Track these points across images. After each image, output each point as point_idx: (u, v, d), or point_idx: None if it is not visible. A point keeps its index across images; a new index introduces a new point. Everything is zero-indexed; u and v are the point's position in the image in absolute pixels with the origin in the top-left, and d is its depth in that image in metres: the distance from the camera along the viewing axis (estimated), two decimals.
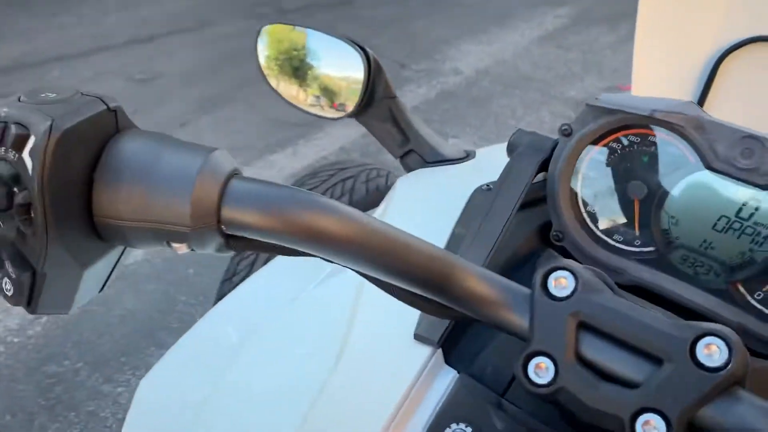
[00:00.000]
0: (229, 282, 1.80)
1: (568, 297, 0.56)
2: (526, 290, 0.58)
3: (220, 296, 1.63)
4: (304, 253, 0.54)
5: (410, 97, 4.34)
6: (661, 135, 0.81)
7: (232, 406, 0.85)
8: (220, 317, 1.05)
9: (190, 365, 0.97)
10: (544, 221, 0.91)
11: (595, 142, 0.85)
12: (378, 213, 1.09)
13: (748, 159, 0.74)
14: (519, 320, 0.57)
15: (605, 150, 0.85)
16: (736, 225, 0.78)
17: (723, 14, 1.91)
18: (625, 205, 0.85)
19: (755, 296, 0.78)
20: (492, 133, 4.02)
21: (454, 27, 5.38)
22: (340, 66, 1.24)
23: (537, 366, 0.55)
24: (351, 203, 1.91)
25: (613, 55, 5.04)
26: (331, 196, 1.93)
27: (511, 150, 0.92)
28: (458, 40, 5.16)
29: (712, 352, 0.52)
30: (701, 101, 1.96)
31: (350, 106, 1.19)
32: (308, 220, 0.51)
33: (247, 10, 5.56)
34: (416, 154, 1.20)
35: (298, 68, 1.37)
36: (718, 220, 0.79)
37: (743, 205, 0.77)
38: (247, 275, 1.66)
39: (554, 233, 0.88)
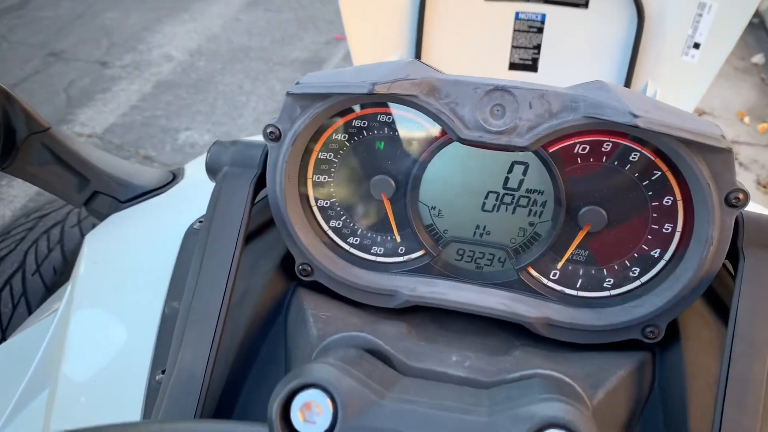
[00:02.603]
0: None
1: None
2: (261, 430, 0.36)
3: None
4: None
5: (124, 96, 3.84)
6: (393, 110, 0.62)
7: None
8: None
9: None
10: (285, 252, 0.69)
11: (315, 139, 0.64)
12: (67, 293, 0.79)
13: (500, 119, 0.57)
14: None
15: (332, 145, 0.64)
16: (507, 198, 0.62)
17: None
18: (375, 208, 0.66)
19: (551, 277, 0.64)
20: (226, 115, 3.72)
21: (150, 11, 4.87)
22: None
23: None
24: (65, 255, 1.53)
25: (323, 6, 4.94)
26: (36, 255, 1.52)
27: (212, 172, 0.67)
28: (160, 24, 4.68)
29: None
30: (419, 40, 1.88)
31: None
32: None
33: None
34: (105, 196, 0.90)
35: None
36: (486, 198, 0.63)
37: (509, 173, 0.62)
38: None
39: (299, 267, 0.66)
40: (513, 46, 1.90)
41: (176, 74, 4.12)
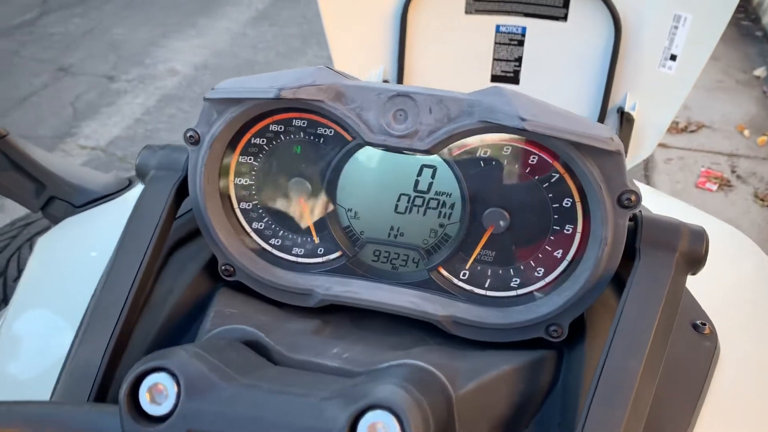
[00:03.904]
0: None
1: (169, 414, 0.37)
2: (113, 413, 0.38)
3: None
4: None
5: (128, 109, 3.91)
6: (304, 115, 0.64)
7: None
8: None
9: None
10: (211, 255, 0.71)
11: (235, 143, 0.66)
12: (14, 297, 0.82)
13: (402, 123, 0.59)
14: None
15: (251, 149, 0.66)
16: (418, 201, 0.65)
17: None
18: (295, 210, 0.68)
19: (461, 277, 0.66)
20: None
21: (157, 26, 4.96)
22: None
23: None
24: None
25: None
26: (19, 262, 1.56)
27: (141, 175, 0.70)
28: (167, 39, 4.76)
29: (379, 429, 0.36)
30: (401, 52, 1.91)
31: None
32: None
33: None
34: (60, 201, 0.93)
35: None
36: (398, 200, 0.65)
37: (418, 176, 0.64)
38: None
39: (222, 268, 0.68)
40: (494, 59, 1.93)
41: (180, 88, 4.19)
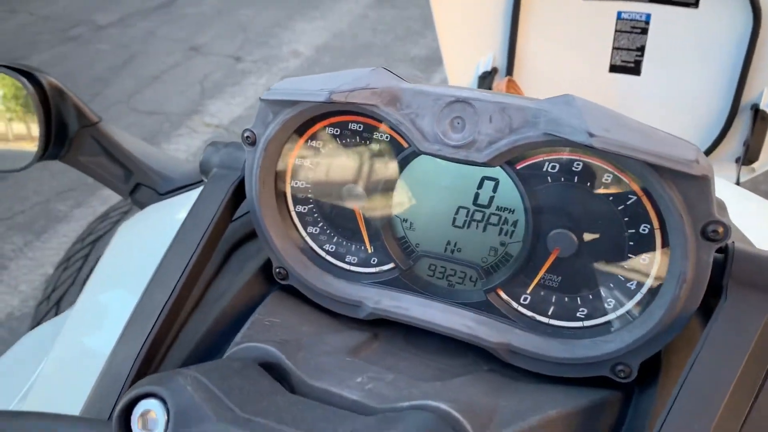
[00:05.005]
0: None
1: None
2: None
3: None
4: None
5: (252, 90, 4.05)
6: (360, 119, 0.60)
7: None
8: None
9: None
10: (267, 257, 0.70)
11: (293, 144, 0.64)
12: (91, 276, 0.85)
13: (460, 132, 0.54)
14: None
15: (308, 151, 0.64)
16: (478, 215, 0.59)
17: None
18: (349, 217, 0.65)
19: (521, 301, 0.60)
20: None
21: (283, 8, 5.09)
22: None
23: None
24: None
25: None
26: None
27: (204, 173, 0.70)
28: (291, 21, 4.88)
29: None
30: (512, 39, 1.82)
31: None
32: None
33: (59, 34, 5.04)
34: (146, 188, 0.96)
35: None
36: (456, 213, 0.60)
37: (478, 189, 0.59)
38: None
39: (276, 270, 0.66)
40: (614, 48, 1.79)
41: (302, 70, 4.28)
